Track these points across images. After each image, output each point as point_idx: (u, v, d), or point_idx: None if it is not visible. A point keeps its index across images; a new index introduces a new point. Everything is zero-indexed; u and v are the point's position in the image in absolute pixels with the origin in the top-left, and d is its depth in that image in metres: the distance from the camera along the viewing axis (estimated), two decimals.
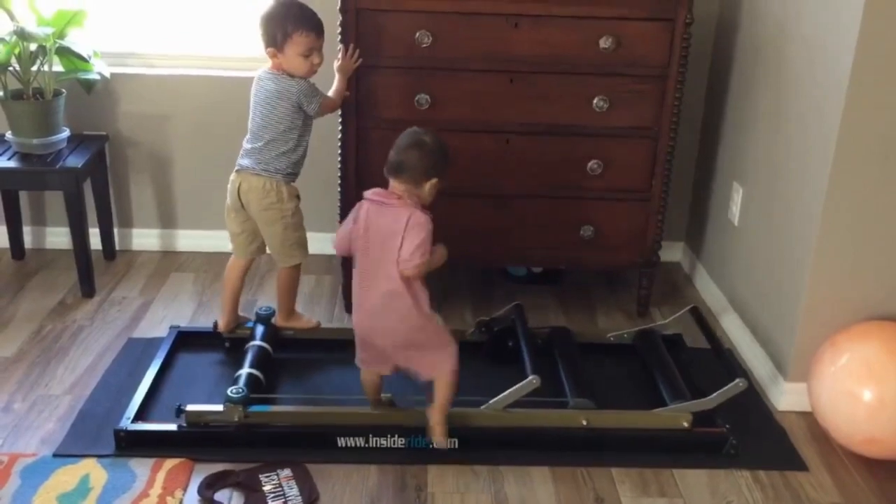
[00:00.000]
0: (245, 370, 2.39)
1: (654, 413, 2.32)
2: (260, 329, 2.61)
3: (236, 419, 2.23)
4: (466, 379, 2.43)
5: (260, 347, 2.53)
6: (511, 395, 2.28)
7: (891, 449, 2.22)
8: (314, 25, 2.41)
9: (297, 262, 2.62)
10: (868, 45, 2.15)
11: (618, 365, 2.65)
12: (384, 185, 2.39)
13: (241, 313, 2.71)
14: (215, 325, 2.68)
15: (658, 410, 2.33)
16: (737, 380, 2.32)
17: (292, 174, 2.52)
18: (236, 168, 2.53)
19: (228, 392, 2.25)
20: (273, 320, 2.67)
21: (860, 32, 2.14)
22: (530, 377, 2.27)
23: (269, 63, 2.46)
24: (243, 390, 2.27)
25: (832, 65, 2.27)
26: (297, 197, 2.55)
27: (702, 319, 2.69)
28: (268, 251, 2.65)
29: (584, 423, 2.28)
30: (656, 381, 2.48)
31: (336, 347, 2.63)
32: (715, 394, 2.31)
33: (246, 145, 2.52)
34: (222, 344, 2.67)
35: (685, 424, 2.29)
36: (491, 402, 2.29)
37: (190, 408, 2.25)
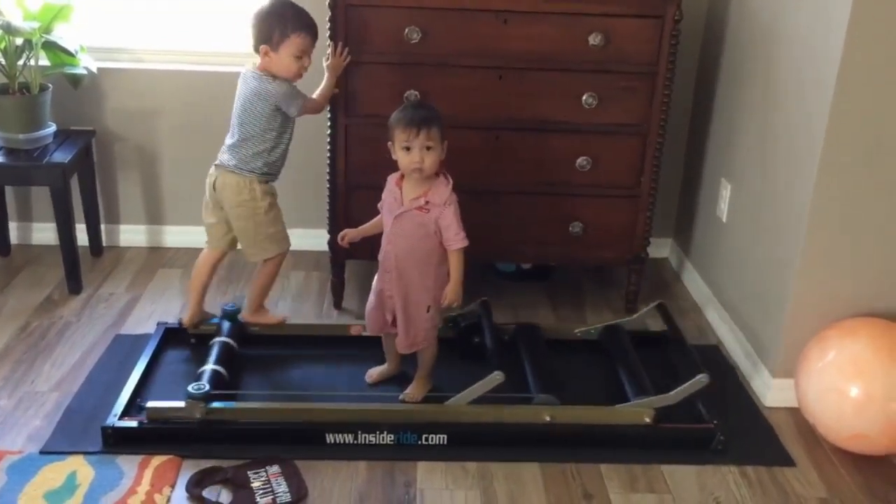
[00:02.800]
0: (209, 366, 2.38)
1: (616, 409, 2.33)
2: (226, 325, 2.60)
3: (198, 416, 2.22)
4: (434, 375, 2.45)
5: (225, 343, 2.52)
6: (475, 390, 2.29)
7: (877, 444, 2.24)
8: (312, 29, 2.42)
9: (267, 256, 2.60)
10: (856, 42, 2.16)
11: (584, 361, 2.66)
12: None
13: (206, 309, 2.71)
14: (179, 321, 2.67)
15: (620, 406, 2.34)
16: (699, 375, 2.33)
17: (268, 174, 2.52)
18: (216, 162, 2.53)
19: (189, 388, 2.24)
20: (239, 316, 2.66)
21: (848, 30, 2.15)
22: (494, 373, 2.29)
23: (255, 60, 2.45)
24: (205, 386, 2.26)
25: (820, 62, 2.28)
26: (273, 195, 2.55)
27: (668, 315, 2.71)
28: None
29: (548, 418, 2.29)
30: (620, 377, 2.49)
31: (303, 343, 2.65)
32: (677, 389, 2.32)
33: (227, 140, 2.51)
34: (210, 339, 2.66)
35: (647, 420, 2.30)
36: (455, 397, 2.30)
37: (151, 404, 2.25)
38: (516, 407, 2.33)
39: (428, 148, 2.20)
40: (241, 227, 2.55)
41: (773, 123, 2.59)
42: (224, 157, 2.50)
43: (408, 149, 2.21)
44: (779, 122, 2.54)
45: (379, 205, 2.37)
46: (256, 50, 2.43)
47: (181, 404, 2.23)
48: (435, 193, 2.26)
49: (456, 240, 2.27)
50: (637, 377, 2.45)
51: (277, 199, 2.57)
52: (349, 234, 2.44)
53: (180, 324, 2.67)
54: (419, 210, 2.26)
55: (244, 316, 2.67)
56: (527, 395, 2.37)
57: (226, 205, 2.52)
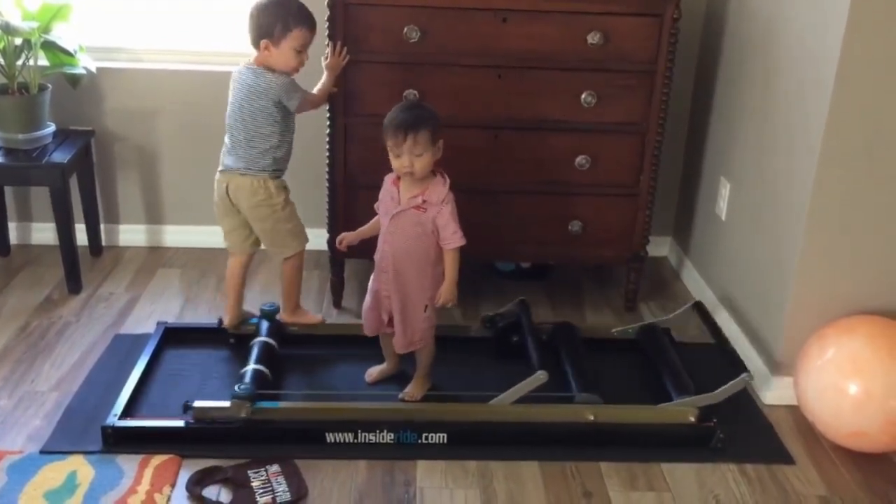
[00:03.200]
0: (251, 366, 2.38)
1: (660, 408, 2.33)
2: (265, 325, 2.60)
3: (243, 415, 2.22)
4: (472, 374, 2.49)
5: (265, 343, 2.52)
6: (519, 390, 2.28)
7: (876, 442, 2.24)
8: (312, 23, 2.43)
9: (292, 252, 2.60)
10: (854, 41, 2.16)
11: (621, 360, 2.65)
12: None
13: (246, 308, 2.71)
14: (220, 321, 2.67)
15: (664, 405, 2.34)
16: (743, 374, 2.34)
17: (278, 170, 2.52)
18: (220, 168, 2.52)
19: (235, 388, 2.24)
20: (278, 316, 2.66)
21: (846, 29, 2.15)
22: (538, 372, 2.28)
23: (247, 60, 2.46)
24: (250, 386, 2.26)
25: (819, 61, 2.28)
26: (286, 189, 2.55)
27: (706, 315, 2.71)
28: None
29: (591, 418, 2.29)
30: (660, 376, 2.49)
31: (340, 343, 2.65)
32: (721, 388, 2.32)
33: (227, 142, 2.50)
34: (210, 339, 2.66)
35: (691, 419, 2.30)
36: (499, 397, 2.30)
37: (197, 404, 2.24)
38: (559, 406, 2.32)
39: (417, 154, 2.20)
40: (262, 228, 2.55)
41: (772, 122, 2.59)
42: (229, 160, 2.49)
43: (398, 154, 2.22)
44: (778, 121, 2.54)
45: (376, 205, 2.37)
46: (255, 44, 2.43)
47: (226, 404, 2.23)
48: (432, 192, 2.26)
49: (453, 239, 2.27)
50: (678, 377, 2.44)
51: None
52: (347, 238, 2.44)
53: (220, 324, 2.66)
54: (416, 209, 2.26)
55: (283, 317, 2.67)
56: (568, 394, 2.36)
57: (243, 208, 2.52)
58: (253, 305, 2.73)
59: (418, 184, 2.26)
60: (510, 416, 2.31)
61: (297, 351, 2.63)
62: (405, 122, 2.20)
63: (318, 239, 2.89)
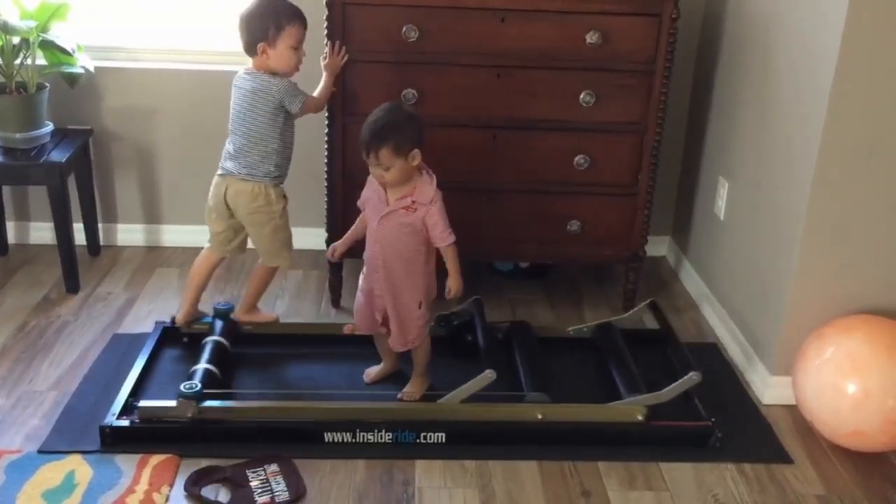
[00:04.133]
0: (201, 365, 2.38)
1: (608, 406, 2.34)
2: (218, 324, 2.60)
3: (190, 415, 2.22)
4: (431, 372, 2.46)
5: (217, 342, 2.52)
6: (467, 388, 2.29)
7: (875, 441, 2.24)
8: (303, 18, 2.43)
9: (282, 263, 2.62)
10: (852, 40, 2.16)
11: (576, 359, 2.66)
12: None
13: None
14: (173, 319, 2.67)
15: (612, 404, 2.34)
16: (690, 373, 2.33)
17: (279, 177, 2.52)
18: (220, 172, 2.52)
19: (182, 387, 2.24)
20: (232, 315, 2.65)
21: (845, 29, 2.15)
22: (486, 371, 2.29)
23: (246, 65, 2.46)
24: (197, 386, 2.26)
25: (817, 60, 2.29)
26: (285, 198, 2.55)
27: (660, 313, 2.72)
28: (250, 248, 2.64)
29: (539, 416, 2.29)
30: (612, 375, 2.50)
31: (300, 342, 2.65)
32: (669, 387, 2.33)
33: (228, 146, 2.50)
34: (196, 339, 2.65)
35: (640, 418, 2.30)
36: (448, 395, 2.31)
37: (143, 403, 2.25)
38: (508, 405, 2.33)
39: (384, 168, 2.20)
40: (258, 234, 2.55)
41: (770, 121, 2.59)
42: (230, 164, 2.49)
43: (370, 164, 2.24)
44: (776, 120, 2.55)
45: (359, 203, 2.36)
46: (250, 51, 2.42)
47: (173, 403, 2.23)
48: (420, 192, 2.25)
49: (443, 237, 2.27)
50: (629, 375, 2.45)
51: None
52: (338, 248, 2.44)
53: (173, 322, 2.66)
54: (406, 210, 2.25)
55: (237, 314, 2.67)
56: (519, 393, 2.37)
57: (240, 213, 2.51)
58: (204, 305, 2.73)
59: (405, 184, 2.26)
60: (460, 415, 2.30)
61: (250, 350, 2.62)
62: (365, 139, 2.20)
63: (316, 239, 2.89)
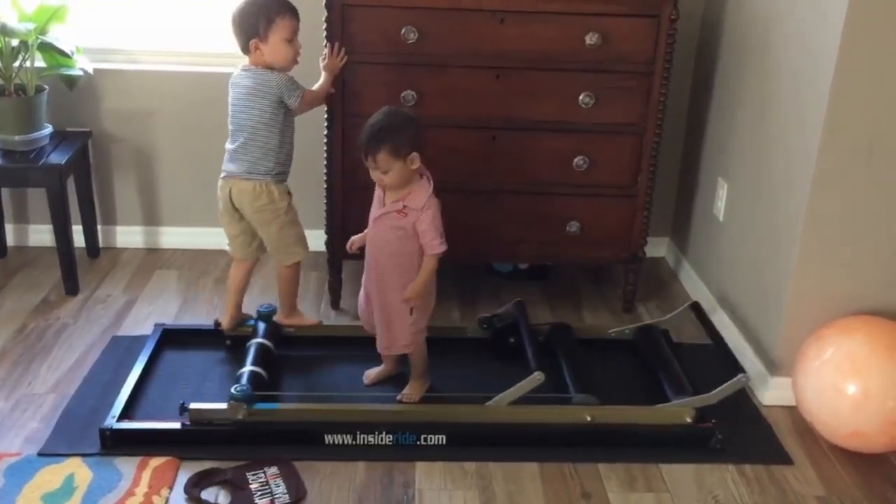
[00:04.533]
0: (248, 368, 2.38)
1: (657, 408, 2.33)
2: (262, 326, 2.60)
3: (240, 417, 2.22)
4: (469, 376, 2.48)
5: (262, 345, 2.51)
6: (516, 391, 2.28)
7: (875, 442, 2.24)
8: (293, 9, 2.44)
9: (297, 259, 2.61)
10: (852, 41, 2.16)
11: (618, 361, 2.65)
12: (370, 181, 2.38)
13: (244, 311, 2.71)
14: (216, 322, 2.67)
15: (661, 406, 2.34)
16: (739, 375, 2.33)
17: (281, 174, 2.52)
18: (223, 174, 2.52)
19: (232, 390, 2.24)
20: (275, 318, 2.65)
21: (844, 29, 2.15)
22: (535, 373, 2.28)
23: (243, 62, 2.46)
24: (247, 388, 2.25)
25: (816, 61, 2.29)
26: (289, 194, 2.55)
27: (703, 315, 2.71)
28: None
29: (589, 419, 2.29)
30: (657, 377, 2.49)
31: (337, 344, 2.65)
32: (717, 389, 2.32)
33: (228, 147, 2.50)
34: (207, 341, 2.66)
35: (688, 420, 2.30)
36: (496, 398, 2.29)
37: (193, 406, 2.24)
38: (556, 407, 2.32)
39: (383, 171, 2.20)
40: (267, 233, 2.55)
41: (769, 122, 2.59)
42: (231, 166, 2.49)
43: (369, 168, 2.23)
44: (775, 121, 2.55)
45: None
46: (245, 48, 2.43)
47: (223, 406, 2.22)
48: (414, 198, 2.24)
49: (432, 245, 2.26)
50: (675, 377, 2.44)
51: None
52: (356, 242, 2.42)
53: (216, 326, 2.66)
54: (397, 213, 2.25)
55: (279, 318, 2.67)
56: (565, 395, 2.36)
57: (247, 212, 2.52)
58: (249, 307, 2.73)
59: (403, 188, 2.25)
60: (508, 418, 2.30)
61: (293, 352, 2.62)
62: (364, 142, 2.21)
63: (316, 240, 2.89)
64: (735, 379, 2.33)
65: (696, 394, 2.34)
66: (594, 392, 2.36)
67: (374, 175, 2.24)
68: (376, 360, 2.52)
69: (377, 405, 2.37)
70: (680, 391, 2.37)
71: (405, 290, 2.29)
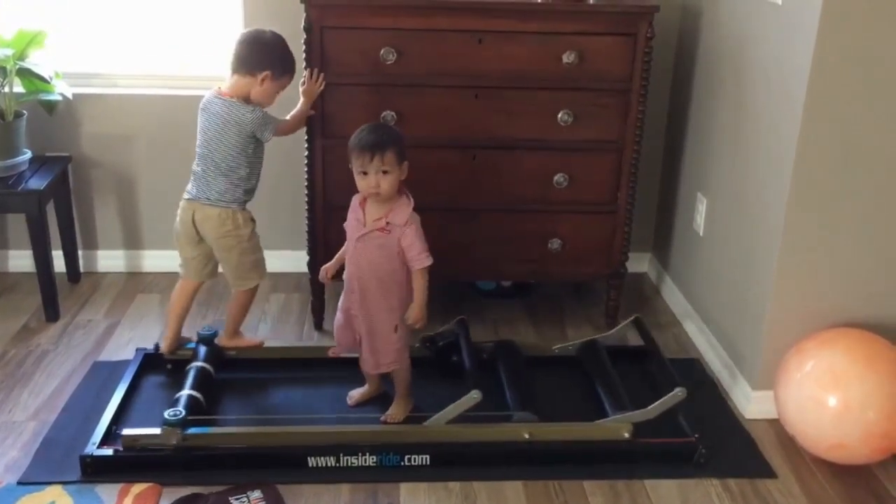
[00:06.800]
0: (185, 392, 2.37)
1: (595, 424, 2.34)
2: (202, 350, 2.59)
3: (174, 442, 2.20)
4: (413, 394, 2.44)
5: (201, 368, 2.50)
6: (453, 410, 2.29)
7: (857, 454, 2.25)
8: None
9: (253, 285, 2.60)
10: (824, 55, 2.19)
11: (563, 377, 2.66)
12: (350, 202, 2.38)
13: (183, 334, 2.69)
14: (156, 346, 2.65)
15: (600, 422, 2.35)
16: (675, 389, 2.34)
17: (246, 201, 2.52)
18: (186, 196, 2.51)
19: (166, 415, 2.22)
20: (216, 340, 2.64)
21: (816, 45, 2.18)
22: (472, 392, 2.28)
23: (214, 88, 2.47)
24: (181, 412, 2.24)
25: (789, 76, 2.31)
26: (253, 220, 2.55)
27: (644, 329, 2.73)
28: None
29: (527, 436, 2.29)
30: (598, 393, 2.50)
31: (282, 366, 2.64)
32: (654, 404, 2.33)
33: (195, 169, 2.49)
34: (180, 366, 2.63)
35: (626, 435, 2.30)
36: (433, 417, 2.30)
37: (126, 431, 2.23)
38: (495, 425, 2.33)
39: (384, 172, 2.21)
40: (226, 258, 2.55)
41: (745, 137, 2.62)
42: (197, 190, 2.48)
43: (364, 173, 2.22)
44: (751, 136, 2.57)
45: (345, 225, 2.36)
46: (245, 70, 2.42)
47: (157, 431, 2.21)
48: (396, 214, 2.26)
49: (419, 259, 2.27)
50: (615, 393, 2.46)
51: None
52: (329, 269, 2.43)
53: (157, 349, 2.65)
54: (381, 231, 2.26)
55: (221, 340, 2.66)
56: (506, 412, 2.37)
57: (209, 238, 2.51)
58: (188, 330, 2.71)
59: (384, 205, 2.27)
60: (446, 437, 2.30)
61: (235, 375, 2.61)
62: (372, 142, 2.22)
63: (298, 262, 2.89)
64: (672, 393, 2.34)
65: (636, 409, 2.34)
66: (534, 409, 2.36)
67: (370, 180, 2.22)
68: (320, 381, 2.54)
69: (360, 426, 2.36)
70: (620, 407, 2.38)
71: (391, 308, 2.30)
